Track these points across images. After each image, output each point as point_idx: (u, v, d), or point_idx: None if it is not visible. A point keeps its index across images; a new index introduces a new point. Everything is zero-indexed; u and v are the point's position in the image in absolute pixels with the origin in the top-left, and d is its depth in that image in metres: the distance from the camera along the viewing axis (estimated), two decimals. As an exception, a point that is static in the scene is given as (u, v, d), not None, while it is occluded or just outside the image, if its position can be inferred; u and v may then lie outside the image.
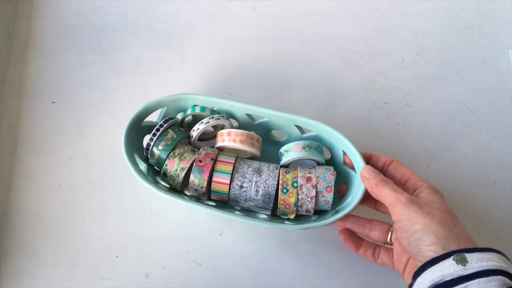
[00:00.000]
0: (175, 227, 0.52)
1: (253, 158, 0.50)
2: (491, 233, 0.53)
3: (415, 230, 0.37)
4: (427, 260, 0.35)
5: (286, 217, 0.48)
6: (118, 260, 0.50)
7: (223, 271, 0.50)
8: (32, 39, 0.60)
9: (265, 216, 0.49)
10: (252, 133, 0.49)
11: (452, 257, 0.34)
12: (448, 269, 0.34)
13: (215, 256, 0.51)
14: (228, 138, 0.48)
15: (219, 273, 0.50)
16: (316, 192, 0.45)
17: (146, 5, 0.62)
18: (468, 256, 0.34)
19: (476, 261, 0.33)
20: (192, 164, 0.47)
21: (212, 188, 0.46)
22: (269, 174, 0.46)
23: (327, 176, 0.46)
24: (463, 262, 0.33)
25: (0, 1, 0.58)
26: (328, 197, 0.46)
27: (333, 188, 0.45)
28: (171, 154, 0.47)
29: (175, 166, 0.47)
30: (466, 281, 0.33)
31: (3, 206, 0.52)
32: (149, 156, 0.49)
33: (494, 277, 0.32)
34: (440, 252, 0.35)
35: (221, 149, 0.50)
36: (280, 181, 0.46)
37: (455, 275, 0.33)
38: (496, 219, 0.53)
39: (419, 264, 0.36)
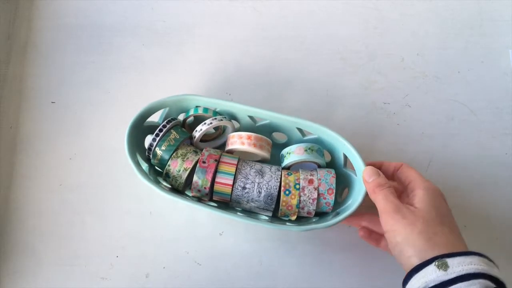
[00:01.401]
0: (175, 227, 0.52)
1: (262, 161, 0.50)
2: (491, 233, 0.53)
3: (396, 242, 0.38)
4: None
5: (287, 219, 0.48)
6: (118, 260, 0.50)
7: (223, 271, 0.50)
8: (32, 39, 0.60)
9: (266, 218, 0.49)
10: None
11: (434, 263, 0.34)
12: (430, 275, 0.34)
13: (215, 256, 0.51)
14: (240, 141, 0.48)
15: (219, 273, 0.50)
16: (318, 194, 0.45)
17: (146, 5, 0.62)
18: (449, 261, 0.34)
19: (457, 266, 0.34)
20: (195, 165, 0.47)
21: (214, 189, 0.46)
22: (271, 176, 0.46)
23: (328, 178, 0.46)
24: (444, 267, 0.34)
25: (0, 1, 0.58)
26: (329, 199, 0.46)
27: (334, 190, 0.46)
28: (174, 154, 0.47)
29: (177, 167, 0.47)
30: (448, 286, 0.33)
31: (3, 206, 0.52)
32: (151, 156, 0.49)
33: (475, 281, 0.33)
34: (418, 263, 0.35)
35: (231, 152, 0.50)
36: (283, 183, 0.46)
37: (437, 281, 0.34)
38: (496, 219, 0.53)
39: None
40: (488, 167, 0.55)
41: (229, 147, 0.49)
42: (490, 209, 0.54)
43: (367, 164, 0.45)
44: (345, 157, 0.49)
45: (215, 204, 0.49)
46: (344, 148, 0.48)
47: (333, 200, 0.46)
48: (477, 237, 0.53)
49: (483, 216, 0.53)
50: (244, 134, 0.48)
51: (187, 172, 0.47)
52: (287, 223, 0.47)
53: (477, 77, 0.60)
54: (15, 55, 0.59)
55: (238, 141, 0.48)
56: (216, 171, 0.46)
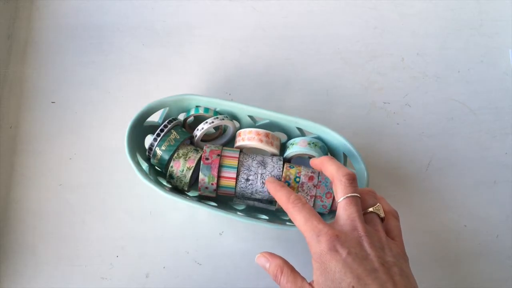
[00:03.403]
0: (175, 227, 0.52)
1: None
2: (491, 233, 0.53)
3: None
4: None
5: (287, 218, 0.48)
6: (118, 260, 0.50)
7: (223, 271, 0.50)
8: (32, 39, 0.60)
9: (266, 217, 0.49)
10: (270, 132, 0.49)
11: None
12: None
13: (215, 256, 0.51)
14: (249, 137, 0.48)
15: (219, 273, 0.50)
16: (315, 196, 0.45)
17: (146, 5, 0.62)
18: None
19: None
20: (197, 162, 0.47)
21: (219, 183, 0.46)
22: (273, 166, 0.46)
23: (328, 182, 0.46)
24: None
25: (0, 1, 0.58)
26: (327, 202, 0.46)
27: (332, 195, 0.45)
28: (176, 155, 0.47)
29: (181, 167, 0.47)
30: None
31: (3, 206, 0.52)
32: (151, 156, 0.49)
33: None
34: None
35: (240, 149, 0.50)
36: (283, 175, 0.46)
37: None
38: (496, 219, 0.53)
39: None
40: (488, 167, 0.55)
41: (238, 144, 0.49)
42: (490, 209, 0.54)
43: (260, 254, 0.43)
44: (345, 157, 0.49)
45: (215, 204, 0.49)
46: (344, 148, 0.48)
47: (330, 204, 0.46)
48: (477, 237, 0.53)
49: (483, 216, 0.53)
50: (253, 130, 0.48)
51: (191, 171, 0.47)
52: (287, 223, 0.47)
53: (477, 77, 0.60)
54: (15, 55, 0.59)
55: (246, 137, 0.48)
56: (219, 166, 0.46)
